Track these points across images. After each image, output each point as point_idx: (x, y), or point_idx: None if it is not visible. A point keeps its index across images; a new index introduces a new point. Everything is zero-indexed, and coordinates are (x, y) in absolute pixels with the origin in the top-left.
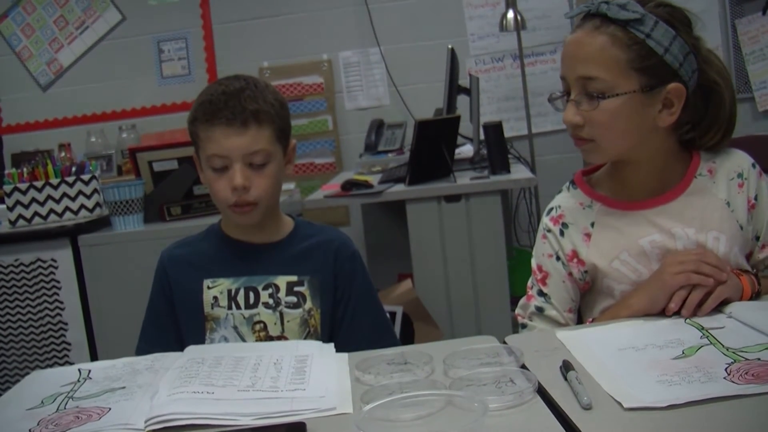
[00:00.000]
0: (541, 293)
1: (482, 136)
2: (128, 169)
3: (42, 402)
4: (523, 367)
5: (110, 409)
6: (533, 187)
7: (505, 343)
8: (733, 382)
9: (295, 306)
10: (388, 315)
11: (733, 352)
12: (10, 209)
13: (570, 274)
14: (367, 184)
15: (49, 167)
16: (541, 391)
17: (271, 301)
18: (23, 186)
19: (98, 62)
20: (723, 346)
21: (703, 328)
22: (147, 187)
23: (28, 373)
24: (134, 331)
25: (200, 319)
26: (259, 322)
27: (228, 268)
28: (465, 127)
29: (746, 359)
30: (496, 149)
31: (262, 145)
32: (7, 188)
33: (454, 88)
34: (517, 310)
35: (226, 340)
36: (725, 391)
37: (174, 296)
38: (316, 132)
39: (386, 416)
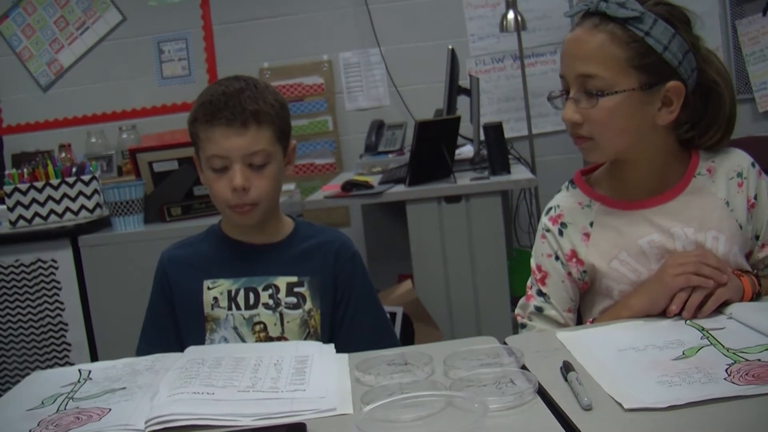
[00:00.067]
0: (540, 293)
1: (482, 137)
2: (128, 169)
3: (42, 402)
4: (524, 367)
5: (110, 409)
6: (533, 187)
7: (505, 343)
8: (733, 383)
9: (295, 307)
10: (388, 316)
11: (734, 353)
12: (11, 210)
13: (569, 273)
14: (367, 185)
15: (50, 168)
16: (542, 392)
17: (271, 302)
18: (23, 186)
19: (98, 63)
20: (723, 346)
21: (703, 329)
22: (147, 187)
23: (28, 374)
24: (134, 332)
25: (200, 320)
26: (259, 322)
27: (228, 268)
28: (465, 128)
29: (747, 360)
30: (497, 150)
31: (262, 146)
32: (8, 189)
33: (454, 89)
34: (517, 310)
35: (226, 340)
36: (726, 392)
37: (174, 297)
38: (317, 132)
39: (386, 417)
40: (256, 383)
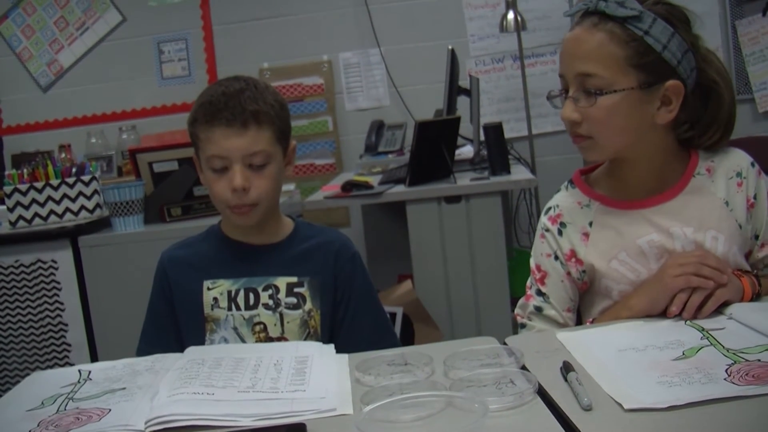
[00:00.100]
0: (539, 293)
1: (482, 137)
2: (128, 170)
3: (42, 403)
4: (524, 368)
5: (110, 410)
6: (533, 188)
7: (505, 344)
8: (733, 383)
9: (295, 307)
10: (388, 316)
11: (734, 353)
12: (11, 210)
13: (568, 273)
14: (367, 185)
15: (50, 168)
16: (542, 392)
17: (271, 302)
18: (23, 187)
19: (98, 63)
20: (723, 347)
21: (703, 329)
22: (147, 188)
23: (28, 374)
24: (134, 332)
25: (200, 320)
26: (259, 323)
27: (228, 269)
28: (465, 128)
29: (747, 360)
30: (497, 150)
31: (262, 146)
32: (8, 189)
33: (454, 89)
34: (516, 310)
35: (226, 341)
36: (726, 392)
37: (174, 297)
38: (316, 133)
39: (386, 417)
40: (256, 384)
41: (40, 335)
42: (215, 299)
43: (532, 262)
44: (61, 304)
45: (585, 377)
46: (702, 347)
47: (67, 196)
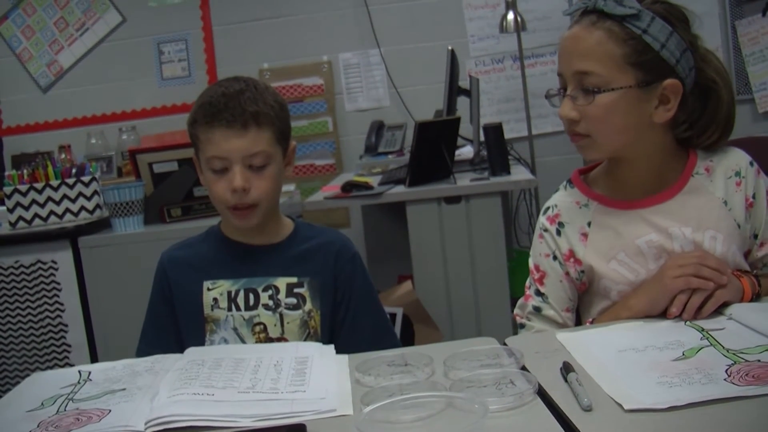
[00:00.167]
0: (538, 293)
1: (482, 138)
2: (128, 170)
3: (42, 404)
4: (524, 368)
5: (110, 410)
6: (533, 188)
7: (505, 344)
8: (733, 383)
9: (295, 307)
10: (388, 316)
11: (734, 354)
12: (10, 211)
13: (567, 273)
14: (367, 186)
15: (50, 169)
16: (542, 393)
17: (271, 303)
18: (23, 188)
19: (98, 64)
20: (723, 347)
21: (703, 330)
22: (147, 188)
23: (28, 375)
24: (134, 333)
25: (200, 321)
26: (259, 323)
27: (228, 269)
28: (465, 129)
29: (746, 361)
30: (496, 150)
31: (262, 147)
32: (7, 190)
33: (454, 90)
34: (516, 310)
35: (226, 341)
36: (726, 393)
37: (174, 298)
38: (316, 133)
39: (386, 418)
40: (256, 384)
41: (40, 336)
42: (215, 300)
43: (531, 263)
44: (61, 304)
45: (585, 378)
46: (702, 348)
47: (67, 196)
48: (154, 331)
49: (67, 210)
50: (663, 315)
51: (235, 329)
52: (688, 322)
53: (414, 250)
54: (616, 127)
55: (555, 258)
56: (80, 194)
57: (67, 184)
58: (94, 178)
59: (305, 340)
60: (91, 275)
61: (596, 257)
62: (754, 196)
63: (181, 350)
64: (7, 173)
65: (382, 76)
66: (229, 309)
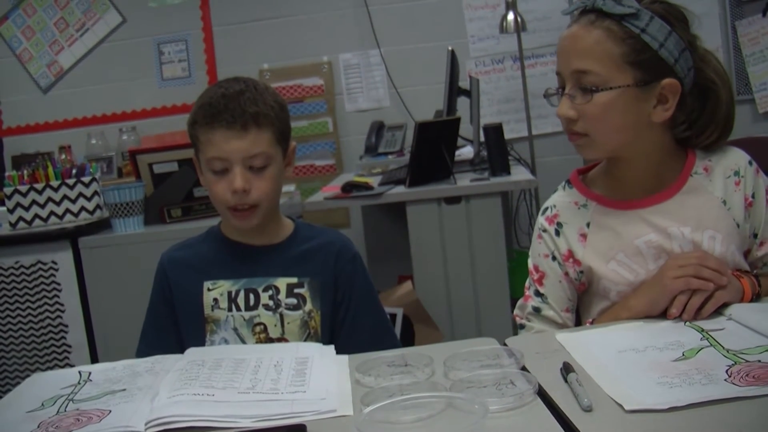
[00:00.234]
0: (538, 293)
1: (482, 138)
2: (128, 171)
3: (42, 404)
4: (524, 369)
5: (110, 411)
6: (533, 188)
7: (505, 344)
8: (734, 384)
9: (295, 308)
10: (388, 317)
11: (734, 354)
12: (11, 211)
13: (566, 274)
14: (367, 186)
15: (50, 169)
16: (542, 393)
17: (271, 303)
18: (23, 188)
19: (98, 64)
20: (723, 348)
21: (703, 330)
22: (147, 189)
23: (28, 376)
24: (135, 333)
25: (200, 321)
26: (260, 323)
27: (228, 269)
28: (465, 129)
29: (747, 361)
30: (497, 151)
31: (262, 148)
32: (8, 190)
33: (454, 90)
34: (516, 311)
35: (226, 342)
36: (726, 393)
37: (174, 298)
38: (317, 134)
39: (386, 418)
40: (256, 385)
41: (41, 336)
42: (215, 300)
43: (530, 263)
44: (62, 305)
45: (585, 378)
46: (702, 348)
47: (67, 197)
48: (155, 332)
49: (68, 210)
50: (663, 315)
51: (235, 329)
52: (688, 323)
53: (414, 251)
54: (615, 126)
55: (554, 258)
56: (80, 195)
57: (67, 185)
58: (94, 179)
59: (305, 340)
60: (91, 276)
61: (595, 258)
62: (753, 196)
63: (181, 351)
64: (7, 174)
65: (382, 76)
66: (230, 309)
